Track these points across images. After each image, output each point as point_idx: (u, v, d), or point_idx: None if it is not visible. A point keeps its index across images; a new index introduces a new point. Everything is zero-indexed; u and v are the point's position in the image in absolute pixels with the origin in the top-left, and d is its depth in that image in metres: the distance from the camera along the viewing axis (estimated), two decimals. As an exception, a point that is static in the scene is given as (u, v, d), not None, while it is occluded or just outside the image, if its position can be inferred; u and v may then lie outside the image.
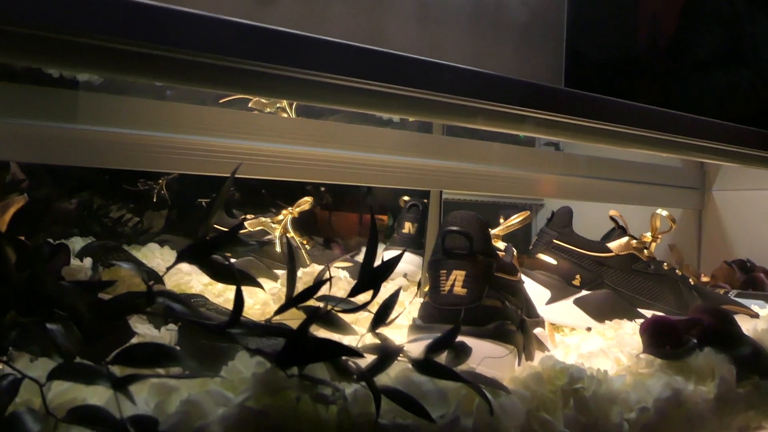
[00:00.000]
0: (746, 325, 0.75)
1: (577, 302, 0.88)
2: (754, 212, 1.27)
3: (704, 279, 1.25)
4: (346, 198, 1.63)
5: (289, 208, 1.16)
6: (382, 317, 0.44)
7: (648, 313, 0.87)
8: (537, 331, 0.72)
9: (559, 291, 0.88)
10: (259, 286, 0.42)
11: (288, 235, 1.14)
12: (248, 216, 1.16)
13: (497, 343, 0.57)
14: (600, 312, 0.87)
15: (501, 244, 0.72)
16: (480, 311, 0.58)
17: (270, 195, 1.45)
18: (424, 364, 0.43)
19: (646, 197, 1.37)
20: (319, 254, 1.15)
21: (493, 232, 0.75)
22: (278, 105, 1.19)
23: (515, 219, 0.75)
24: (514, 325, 0.61)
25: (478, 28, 1.22)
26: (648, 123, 0.79)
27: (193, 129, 0.98)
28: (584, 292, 0.88)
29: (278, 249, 1.11)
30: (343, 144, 1.06)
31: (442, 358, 0.48)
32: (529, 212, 0.75)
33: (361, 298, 0.43)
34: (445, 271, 0.59)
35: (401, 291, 0.46)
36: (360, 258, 1.30)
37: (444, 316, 0.58)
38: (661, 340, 0.64)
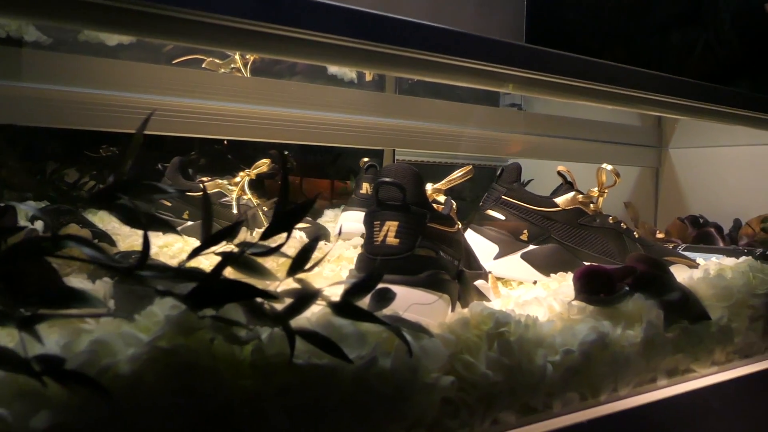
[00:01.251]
0: (684, 275, 0.77)
1: (524, 256, 0.89)
2: (708, 169, 1.29)
3: (659, 235, 1.27)
4: (314, 163, 1.64)
5: (247, 170, 1.16)
6: (300, 263, 0.45)
7: (593, 266, 0.89)
8: (478, 282, 0.74)
9: (507, 246, 0.90)
10: (173, 231, 0.42)
11: (245, 197, 1.15)
12: (204, 178, 1.16)
13: (429, 291, 0.59)
14: (546, 265, 0.88)
15: (442, 197, 0.73)
16: (412, 260, 0.59)
17: (236, 160, 1.44)
18: (342, 307, 0.44)
19: (606, 156, 1.38)
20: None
21: (435, 186, 0.76)
22: (232, 65, 1.18)
23: (457, 173, 0.76)
24: (449, 275, 0.63)
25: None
26: (606, 78, 0.80)
27: (147, 88, 0.97)
28: (531, 247, 0.89)
29: (235, 211, 1.12)
30: (298, 103, 1.06)
31: (367, 305, 0.49)
32: (471, 167, 0.76)
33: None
34: (378, 222, 0.60)
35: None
36: (322, 221, 1.31)
37: (377, 266, 0.59)
38: (594, 287, 0.65)
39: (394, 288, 0.52)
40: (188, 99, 1.02)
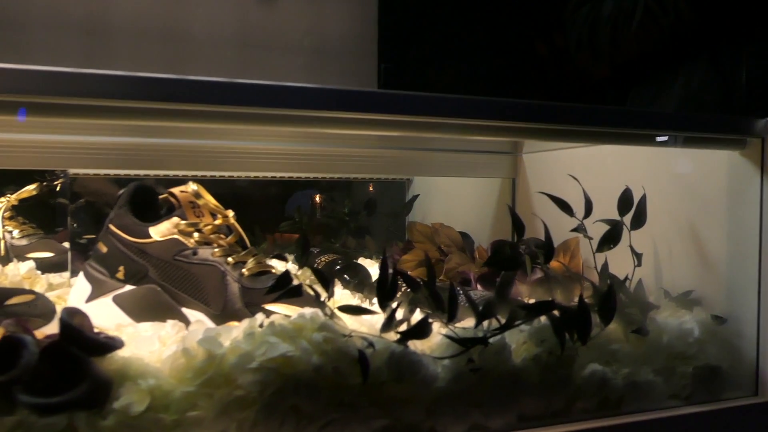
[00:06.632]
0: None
1: (116, 299, 0.71)
2: (559, 176, 0.97)
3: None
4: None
5: (8, 195, 1.09)
6: None
7: (191, 313, 0.69)
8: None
9: (101, 286, 0.73)
10: None
11: (-2, 224, 1.07)
12: None
13: None
14: (140, 311, 0.71)
15: None
16: None
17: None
18: None
19: (461, 167, 1.12)
20: (32, 246, 1.07)
21: None
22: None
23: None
24: None
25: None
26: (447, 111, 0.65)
27: None
28: (128, 287, 0.71)
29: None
30: None
31: None
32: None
33: None
34: None
35: None
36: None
37: None
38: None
39: None
40: None
